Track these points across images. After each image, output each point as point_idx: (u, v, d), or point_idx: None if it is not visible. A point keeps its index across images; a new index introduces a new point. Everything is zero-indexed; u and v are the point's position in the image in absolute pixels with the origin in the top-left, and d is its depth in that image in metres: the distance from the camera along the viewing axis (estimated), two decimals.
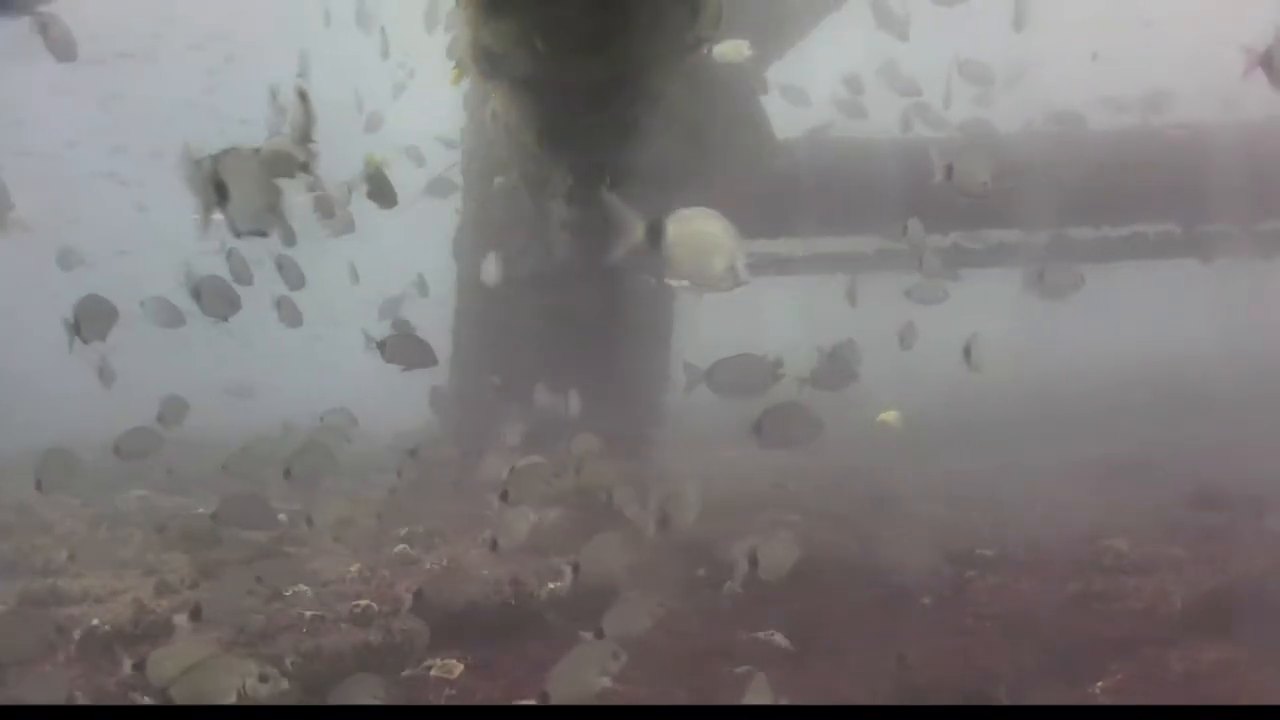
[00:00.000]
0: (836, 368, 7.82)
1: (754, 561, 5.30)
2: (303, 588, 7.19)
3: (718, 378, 5.87)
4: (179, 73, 30.41)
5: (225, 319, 7.16)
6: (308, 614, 6.59)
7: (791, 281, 12.39)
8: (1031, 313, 12.15)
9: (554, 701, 4.49)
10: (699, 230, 4.06)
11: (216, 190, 4.31)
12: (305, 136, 6.21)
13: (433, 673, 5.93)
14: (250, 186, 4.41)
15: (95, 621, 6.47)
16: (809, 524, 8.59)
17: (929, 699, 5.48)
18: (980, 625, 6.51)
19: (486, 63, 6.20)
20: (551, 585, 7.05)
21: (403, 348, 7.08)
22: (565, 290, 10.39)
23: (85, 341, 6.36)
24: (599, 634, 4.97)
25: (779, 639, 6.26)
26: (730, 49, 9.31)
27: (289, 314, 8.68)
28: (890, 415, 10.66)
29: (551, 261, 10.19)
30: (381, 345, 6.99)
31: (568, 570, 5.49)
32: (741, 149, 10.71)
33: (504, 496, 6.39)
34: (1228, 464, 10.65)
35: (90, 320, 6.34)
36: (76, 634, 6.26)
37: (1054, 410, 15.02)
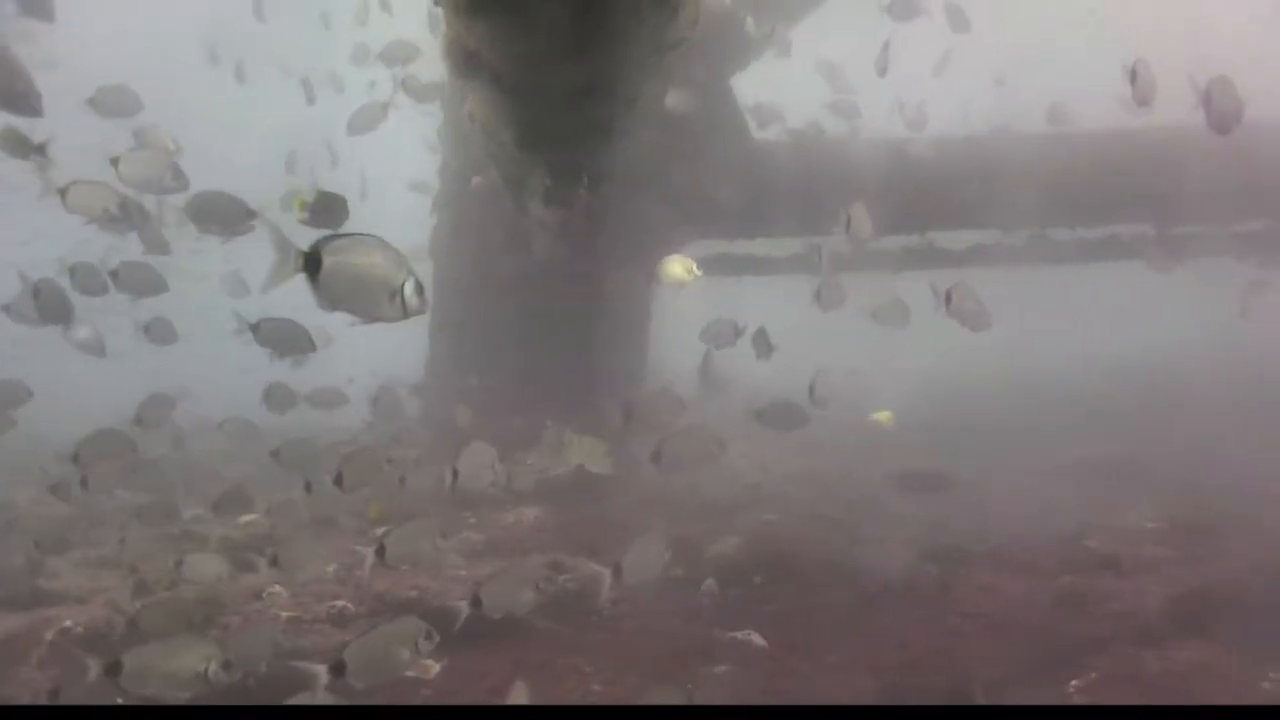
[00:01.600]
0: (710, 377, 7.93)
1: (618, 573, 5.23)
2: (278, 588, 7.18)
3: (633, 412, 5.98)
4: None
5: (63, 324, 7.27)
6: (284, 615, 6.60)
7: (772, 281, 12.45)
8: (1016, 313, 12.29)
9: (351, 674, 4.32)
10: (357, 260, 3.85)
11: None
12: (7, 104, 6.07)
13: (409, 672, 5.93)
14: None
15: (68, 623, 6.47)
16: (792, 524, 8.69)
17: (908, 698, 5.52)
18: (961, 625, 6.51)
19: (464, 63, 6.21)
20: None
21: (276, 332, 6.83)
22: (544, 290, 10.42)
23: None
24: (475, 603, 4.92)
25: (755, 638, 6.30)
26: None
27: (159, 332, 8.60)
28: (884, 415, 10.75)
29: (530, 261, 10.23)
30: (254, 328, 6.74)
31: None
32: (719, 150, 10.79)
33: (338, 482, 6.36)
34: (1208, 464, 10.79)
35: None
36: (49, 635, 6.26)
37: (1038, 410, 15.13)
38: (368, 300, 3.91)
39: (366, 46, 13.25)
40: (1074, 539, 8.15)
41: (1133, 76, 7.17)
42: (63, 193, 6.56)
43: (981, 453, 11.98)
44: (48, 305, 7.11)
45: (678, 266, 8.48)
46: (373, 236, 3.95)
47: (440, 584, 7.21)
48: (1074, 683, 5.58)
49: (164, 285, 7.69)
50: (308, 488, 6.67)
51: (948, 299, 7.70)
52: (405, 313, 3.99)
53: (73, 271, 7.38)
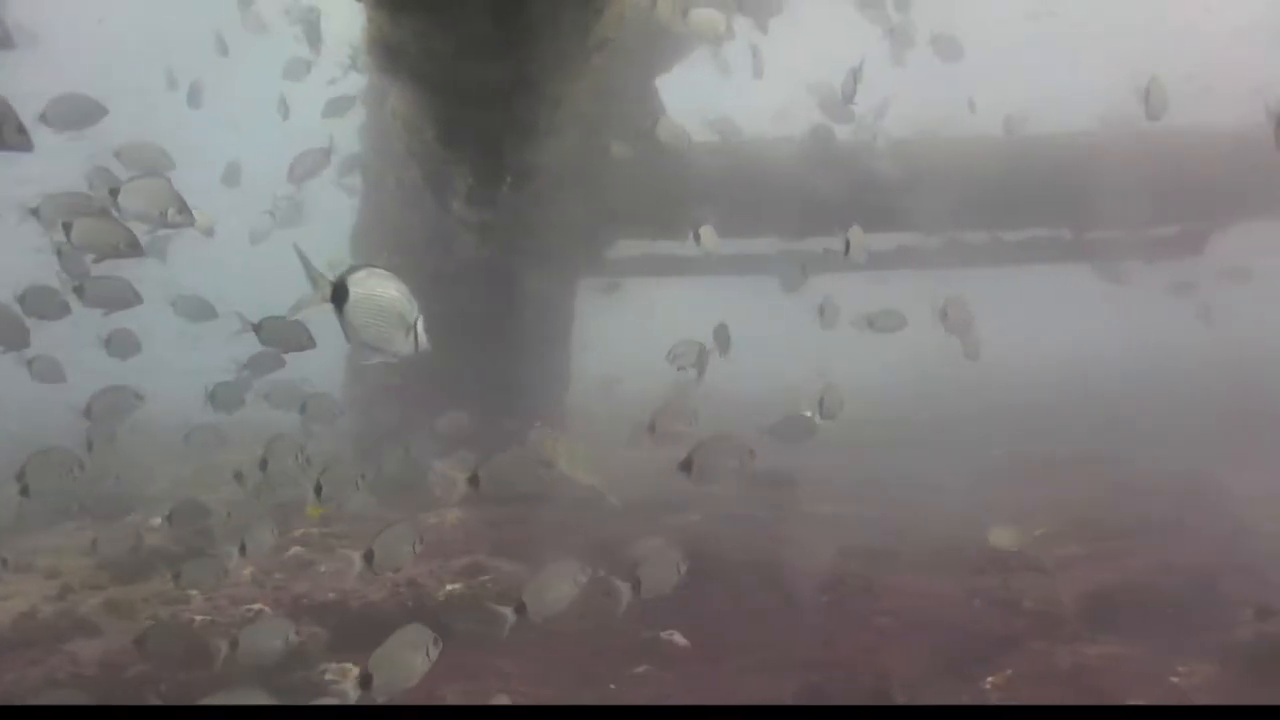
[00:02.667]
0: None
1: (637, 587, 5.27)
2: (192, 592, 7.09)
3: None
4: None
5: (18, 349, 7.08)
6: (198, 619, 6.51)
7: (697, 283, 12.49)
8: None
9: (376, 685, 4.40)
10: (379, 293, 3.90)
11: None
12: None
13: (327, 677, 5.89)
14: None
15: None
16: (715, 524, 8.76)
17: (830, 697, 5.60)
18: (882, 624, 6.60)
19: (387, 59, 6.17)
20: (450, 587, 7.03)
21: (278, 330, 6.79)
22: (466, 290, 10.35)
23: None
24: (520, 609, 4.88)
25: (678, 638, 6.35)
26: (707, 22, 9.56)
27: (120, 345, 8.40)
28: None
29: (452, 261, 10.16)
30: (257, 328, 6.71)
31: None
32: (640, 150, 10.81)
33: (318, 492, 6.29)
34: (1123, 465, 11.06)
35: None
36: None
37: (962, 413, 15.37)
38: (387, 333, 3.95)
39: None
40: (978, 540, 8.24)
41: (1146, 93, 7.48)
42: (67, 228, 6.17)
43: (909, 453, 12.15)
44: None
45: (710, 239, 8.65)
46: (381, 269, 3.99)
47: (358, 585, 7.15)
48: (990, 679, 5.71)
49: (137, 298, 7.39)
50: (238, 478, 6.63)
51: (944, 314, 8.09)
52: (416, 348, 4.04)
53: (23, 298, 7.14)
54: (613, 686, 5.78)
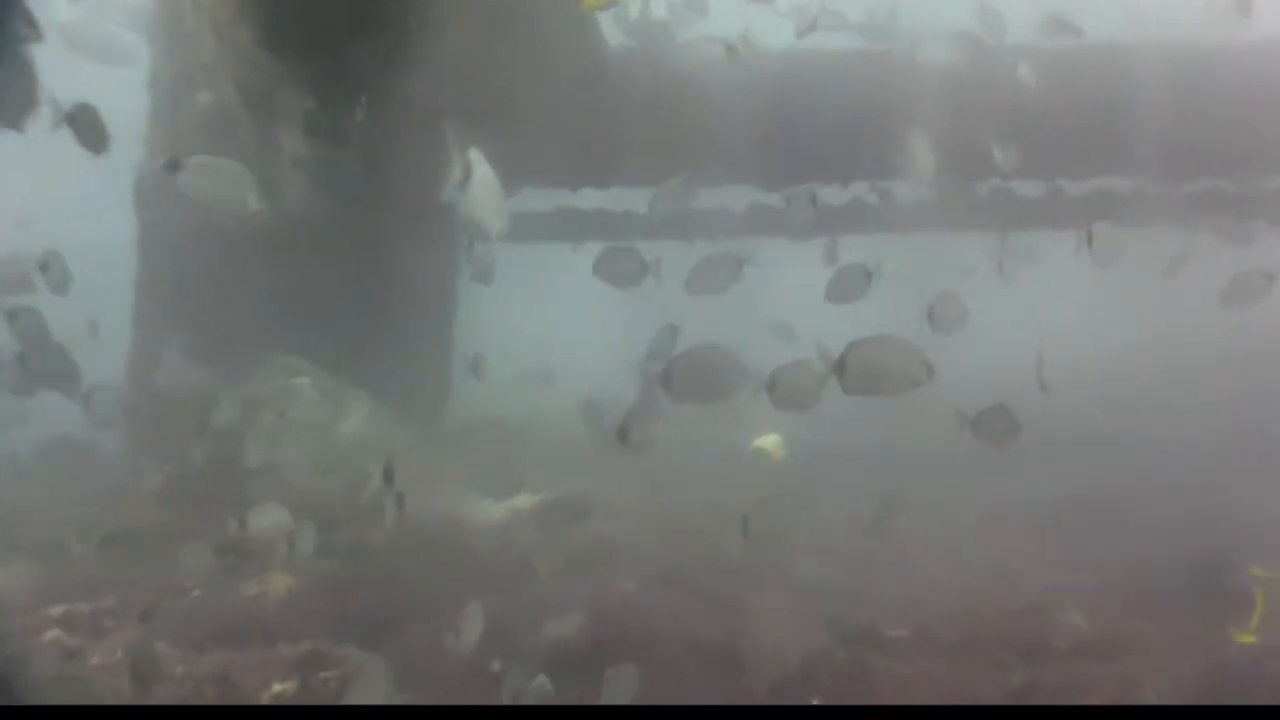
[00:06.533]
0: None
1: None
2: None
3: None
4: None
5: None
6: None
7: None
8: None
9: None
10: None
11: None
12: None
13: None
14: None
15: None
16: (652, 593, 8.43)
17: None
18: None
19: None
20: (278, 687, 6.83)
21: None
22: (301, 255, 9.70)
23: None
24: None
25: None
26: None
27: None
28: (770, 441, 10.40)
29: (278, 214, 9.49)
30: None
31: None
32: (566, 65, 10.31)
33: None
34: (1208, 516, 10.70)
35: None
36: None
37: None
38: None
39: None
40: (1036, 611, 7.90)
41: None
42: None
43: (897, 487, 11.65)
44: None
45: None
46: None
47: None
48: None
49: None
50: None
51: (1089, 238, 9.06)
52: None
53: None
54: None
